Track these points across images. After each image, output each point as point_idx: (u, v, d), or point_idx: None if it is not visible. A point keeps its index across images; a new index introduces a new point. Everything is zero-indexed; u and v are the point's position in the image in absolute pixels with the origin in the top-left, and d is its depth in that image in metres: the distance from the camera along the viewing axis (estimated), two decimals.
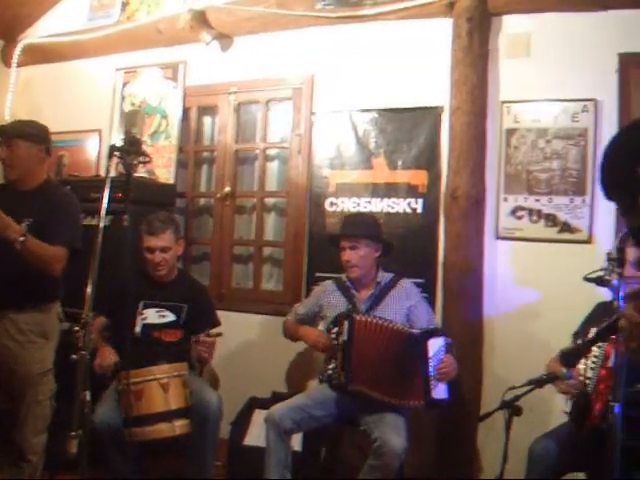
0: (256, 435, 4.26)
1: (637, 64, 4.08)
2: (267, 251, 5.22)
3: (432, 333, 3.74)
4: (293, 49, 4.96)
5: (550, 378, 3.24)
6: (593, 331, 3.17)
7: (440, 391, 3.65)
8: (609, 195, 1.15)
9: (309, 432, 4.05)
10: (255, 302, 5.04)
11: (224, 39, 5.23)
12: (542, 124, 4.22)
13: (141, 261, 4.05)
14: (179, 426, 3.63)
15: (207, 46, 5.19)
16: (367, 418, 3.73)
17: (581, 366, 3.25)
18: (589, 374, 3.22)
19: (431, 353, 3.68)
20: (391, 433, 3.55)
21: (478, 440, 4.26)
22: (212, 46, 5.21)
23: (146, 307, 4.05)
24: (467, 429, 4.23)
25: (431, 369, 3.65)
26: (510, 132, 4.29)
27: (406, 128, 4.55)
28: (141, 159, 3.30)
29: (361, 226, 3.97)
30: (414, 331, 3.77)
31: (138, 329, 4.01)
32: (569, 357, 2.56)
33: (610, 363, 3.13)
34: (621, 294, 2.61)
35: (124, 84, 5.69)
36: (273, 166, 5.22)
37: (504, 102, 4.32)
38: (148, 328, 4.01)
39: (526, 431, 3.38)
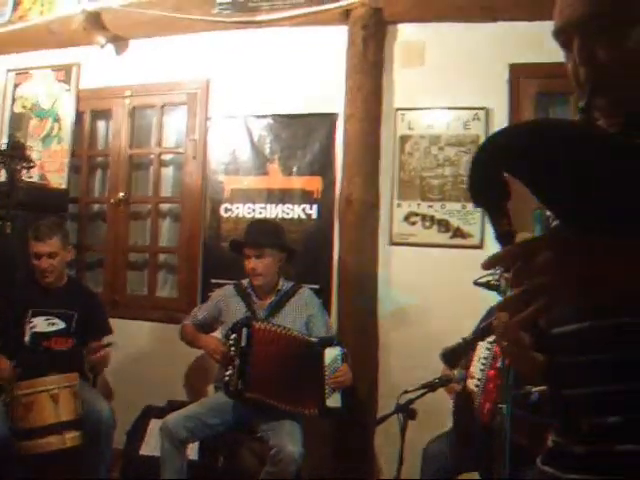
0: (152, 445, 4.18)
1: (527, 74, 4.20)
2: (162, 257, 5.12)
3: (329, 342, 3.77)
4: (189, 53, 4.88)
5: (442, 381, 3.28)
6: None
7: (335, 400, 3.66)
8: (476, 201, 1.15)
9: (206, 441, 4.00)
10: (150, 309, 4.94)
11: (119, 42, 5.11)
12: (435, 131, 4.29)
13: (30, 268, 3.96)
14: (70, 438, 3.58)
15: (102, 49, 5.06)
16: (264, 425, 3.73)
17: (472, 367, 3.30)
18: (478, 375, 3.27)
19: (327, 362, 3.70)
20: (287, 440, 3.56)
21: (375, 443, 4.27)
22: (107, 49, 5.09)
23: (35, 315, 3.95)
24: (364, 433, 4.23)
25: (326, 378, 3.67)
26: (404, 139, 4.33)
27: (301, 134, 4.55)
28: (25, 164, 3.20)
29: (267, 235, 3.94)
30: (312, 339, 3.79)
31: (27, 338, 3.91)
32: (449, 357, 2.58)
33: (499, 363, 3.19)
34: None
35: (15, 86, 5.49)
36: (168, 171, 5.12)
37: (398, 109, 4.37)
38: (37, 337, 3.92)
39: (422, 433, 3.46)
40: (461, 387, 3.33)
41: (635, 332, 1.16)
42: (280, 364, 3.71)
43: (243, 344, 3.69)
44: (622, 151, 1.11)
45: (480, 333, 2.28)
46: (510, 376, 2.80)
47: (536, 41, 3.75)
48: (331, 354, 3.72)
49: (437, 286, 4.17)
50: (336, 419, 4.16)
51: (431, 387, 3.21)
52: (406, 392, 3.17)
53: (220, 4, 4.68)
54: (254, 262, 3.90)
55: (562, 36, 1.32)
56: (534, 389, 2.79)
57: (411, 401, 3.14)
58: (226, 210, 4.71)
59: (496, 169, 1.11)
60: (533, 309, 1.07)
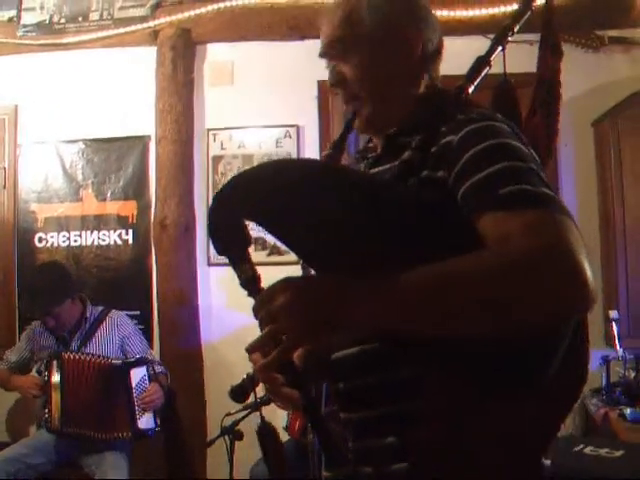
0: None
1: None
2: None
3: (133, 363, 3.72)
4: None
5: (264, 401, 3.26)
6: None
7: (146, 421, 3.62)
8: (218, 250, 1.16)
9: None
10: None
11: None
12: (248, 150, 4.32)
13: None
14: None
15: None
16: (88, 460, 3.65)
17: None
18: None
19: (134, 383, 3.64)
20: (112, 473, 3.51)
21: (207, 466, 4.22)
22: None
23: None
24: (195, 457, 4.19)
25: (135, 399, 3.64)
26: (217, 159, 4.34)
27: (114, 158, 4.46)
28: None
29: (49, 293, 3.76)
30: (115, 362, 3.72)
31: None
32: (237, 393, 2.58)
33: None
34: None
35: None
36: None
37: (210, 130, 4.37)
38: None
39: (254, 453, 3.39)
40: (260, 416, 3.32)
41: (391, 354, 1.20)
42: (93, 392, 3.65)
43: (56, 378, 3.61)
44: (358, 191, 1.15)
45: None
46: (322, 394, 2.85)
47: None
48: (138, 374, 3.69)
49: None
50: (164, 444, 4.14)
51: (254, 407, 3.20)
52: (229, 414, 3.16)
53: (24, 26, 4.52)
54: (51, 320, 3.81)
55: (325, 62, 1.42)
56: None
57: (236, 423, 3.13)
58: (40, 240, 4.54)
59: (235, 217, 1.13)
60: (276, 353, 1.10)
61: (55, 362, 3.63)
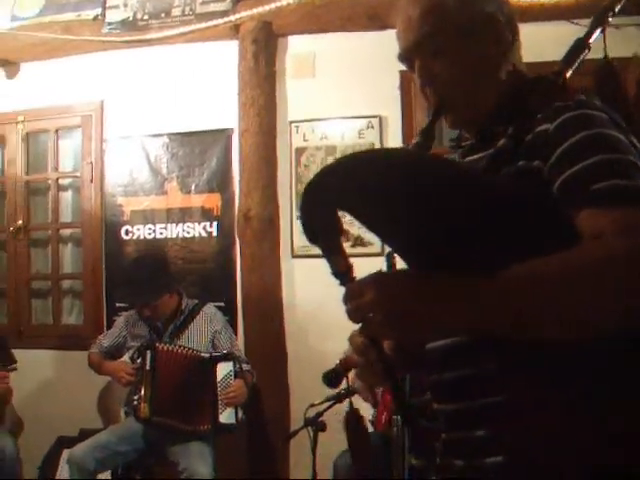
0: (65, 477, 4.05)
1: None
2: (66, 284, 5.02)
3: (221, 357, 3.75)
4: (81, 75, 4.78)
5: (347, 392, 3.27)
6: None
7: (228, 416, 3.65)
8: (311, 240, 1.13)
9: (117, 469, 3.91)
10: (56, 337, 4.82)
11: (9, 66, 4.98)
12: (330, 142, 4.30)
13: None
14: None
15: None
16: (173, 449, 3.69)
17: None
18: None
19: (219, 377, 3.67)
20: (197, 462, 3.54)
21: (290, 458, 4.24)
22: None
23: None
24: (277, 448, 4.20)
25: (219, 393, 3.67)
26: (299, 151, 4.34)
27: (197, 151, 4.51)
28: None
29: (149, 285, 3.82)
30: (204, 355, 3.76)
31: None
32: (331, 378, 2.58)
33: None
34: None
35: None
36: (67, 196, 5.02)
37: (292, 122, 4.38)
38: None
39: (335, 445, 3.41)
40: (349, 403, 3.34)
41: (482, 348, 1.18)
42: (180, 384, 3.70)
43: (148, 367, 3.67)
44: (453, 179, 1.11)
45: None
46: (406, 385, 2.83)
47: None
48: (224, 369, 3.71)
49: (341, 297, 4.16)
50: (248, 436, 4.16)
51: (337, 398, 3.21)
52: (313, 405, 3.18)
53: (109, 24, 4.61)
54: (147, 311, 3.88)
55: (405, 61, 1.37)
56: None
57: (319, 414, 3.14)
58: (127, 232, 4.63)
59: (329, 208, 1.09)
60: (366, 345, 1.18)
61: (149, 352, 3.70)
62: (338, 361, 2.61)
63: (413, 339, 1.28)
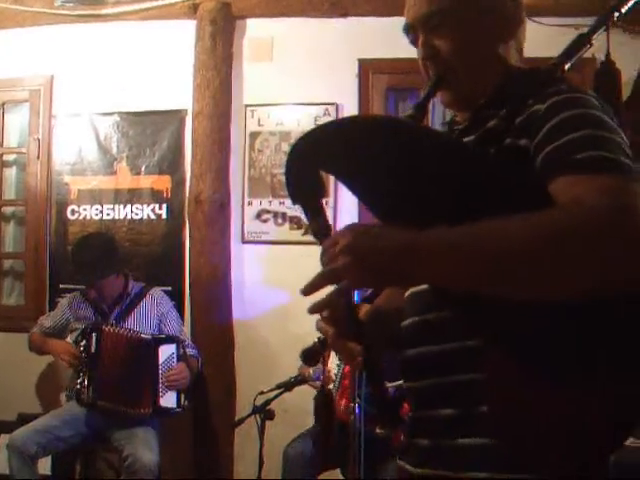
0: (3, 461, 3.92)
1: (375, 69, 4.26)
2: (7, 264, 4.87)
3: (163, 340, 3.72)
4: (31, 48, 4.63)
5: (298, 381, 3.27)
6: None
7: (168, 399, 3.59)
8: (294, 199, 1.20)
9: (59, 454, 3.86)
10: None
11: None
12: (285, 127, 4.26)
13: None
14: None
15: None
16: (117, 434, 3.64)
17: (329, 364, 3.29)
18: (335, 371, 3.28)
19: (161, 360, 3.63)
20: (142, 448, 3.50)
21: (235, 446, 4.20)
22: None
23: None
24: (223, 436, 4.17)
25: (161, 376, 3.63)
26: (254, 135, 4.28)
27: (149, 132, 4.42)
28: None
29: (96, 264, 3.76)
30: (144, 336, 3.71)
31: None
32: (308, 356, 2.55)
33: None
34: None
35: None
36: (11, 172, 4.86)
37: (248, 106, 4.32)
38: None
39: (282, 433, 3.47)
40: (320, 385, 3.34)
41: (453, 325, 1.20)
42: (125, 367, 3.66)
43: (93, 350, 3.61)
44: (429, 140, 1.18)
45: None
46: (359, 374, 2.83)
47: (385, 37, 3.78)
48: (166, 352, 3.67)
49: (293, 283, 4.10)
50: (193, 423, 4.13)
51: (287, 387, 3.20)
52: (262, 393, 3.17)
53: None
54: (93, 292, 3.85)
55: (410, 34, 1.40)
56: (389, 385, 2.80)
57: (268, 402, 3.14)
58: (73, 212, 4.51)
59: (311, 168, 1.17)
60: (332, 292, 1.13)
61: (94, 335, 3.63)
62: (317, 339, 2.59)
63: (381, 286, 1.35)
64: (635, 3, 1.65)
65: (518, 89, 1.28)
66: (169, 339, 3.71)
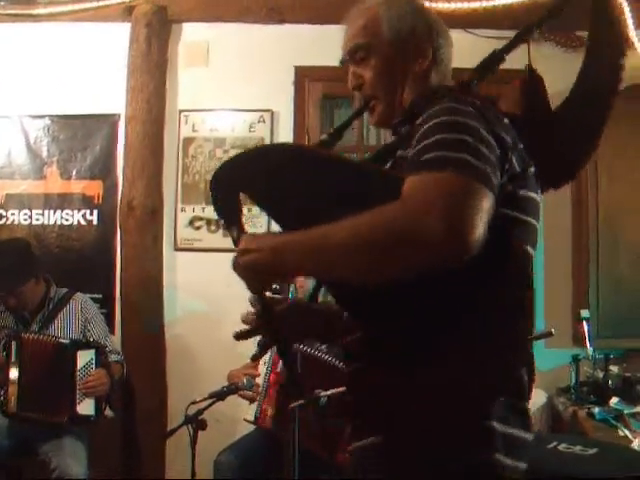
0: None
1: (312, 77, 4.27)
2: None
3: (81, 344, 3.60)
4: None
5: (230, 390, 3.24)
6: None
7: (86, 406, 3.49)
8: (219, 216, 1.50)
9: None
10: None
11: None
12: (220, 134, 4.23)
13: None
14: None
15: None
16: (45, 446, 3.51)
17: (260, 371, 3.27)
18: (262, 379, 3.25)
19: (79, 365, 3.52)
20: (70, 460, 3.40)
21: (167, 456, 4.14)
22: None
23: None
24: (153, 446, 4.11)
25: (78, 382, 3.51)
26: (188, 141, 4.24)
27: (81, 136, 4.34)
28: None
29: (13, 271, 3.63)
30: (63, 341, 3.60)
31: None
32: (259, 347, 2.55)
33: (279, 368, 3.21)
34: None
35: None
36: None
37: (182, 111, 4.28)
38: None
39: (214, 443, 3.41)
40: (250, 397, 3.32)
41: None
42: (46, 374, 3.54)
43: (13, 359, 3.50)
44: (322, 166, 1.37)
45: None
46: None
47: (322, 45, 3.78)
48: (84, 358, 3.55)
49: (225, 291, 4.07)
50: (122, 433, 4.07)
51: (219, 396, 3.17)
52: (194, 402, 3.12)
53: None
54: (13, 299, 3.67)
55: (344, 66, 1.61)
56: (322, 393, 2.78)
57: (200, 412, 3.08)
58: (0, 217, 4.40)
59: (231, 192, 1.43)
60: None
61: (14, 343, 3.52)
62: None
63: (267, 288, 1.56)
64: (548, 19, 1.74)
65: (420, 107, 1.41)
66: (88, 344, 3.60)
